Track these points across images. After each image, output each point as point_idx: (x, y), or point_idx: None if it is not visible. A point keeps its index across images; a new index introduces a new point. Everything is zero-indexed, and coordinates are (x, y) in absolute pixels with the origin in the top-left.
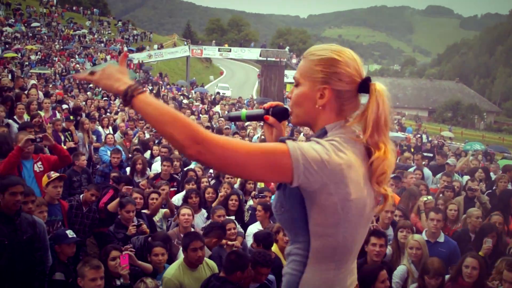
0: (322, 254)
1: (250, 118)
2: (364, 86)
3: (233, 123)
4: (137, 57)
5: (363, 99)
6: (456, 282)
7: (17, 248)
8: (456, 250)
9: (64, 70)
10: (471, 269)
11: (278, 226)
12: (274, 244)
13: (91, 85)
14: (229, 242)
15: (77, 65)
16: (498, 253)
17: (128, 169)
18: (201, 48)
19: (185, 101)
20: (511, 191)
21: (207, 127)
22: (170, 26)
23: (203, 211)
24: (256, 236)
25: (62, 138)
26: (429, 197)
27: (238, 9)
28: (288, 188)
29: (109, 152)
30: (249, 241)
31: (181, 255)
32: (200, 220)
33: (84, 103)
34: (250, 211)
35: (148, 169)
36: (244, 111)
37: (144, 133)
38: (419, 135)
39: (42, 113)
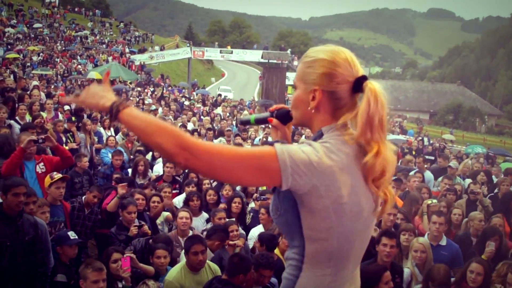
0: (316, 259)
1: (258, 121)
2: (358, 85)
3: (234, 124)
4: (138, 59)
5: None
6: (460, 286)
7: (19, 249)
8: (458, 254)
9: (66, 71)
10: (476, 274)
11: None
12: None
13: None
14: (231, 242)
15: (79, 66)
16: (501, 256)
17: (130, 171)
18: (202, 50)
19: (186, 102)
20: None
21: (209, 129)
22: (171, 28)
23: (204, 214)
24: (261, 236)
25: (64, 139)
26: (434, 200)
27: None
28: (282, 192)
29: (110, 154)
30: (251, 244)
31: (183, 258)
32: (199, 223)
33: None
34: (252, 214)
35: (150, 170)
36: (253, 115)
37: None
38: (420, 138)
39: (44, 114)
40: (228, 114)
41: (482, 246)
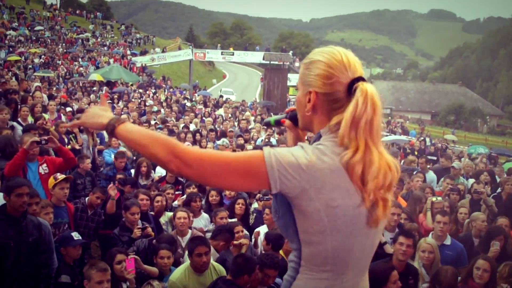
0: (312, 262)
1: (277, 123)
2: (353, 87)
3: (236, 125)
4: (140, 61)
5: None
6: (466, 284)
7: (22, 250)
8: (463, 253)
9: (67, 73)
10: (482, 271)
11: None
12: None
13: (94, 88)
14: (235, 242)
15: (81, 68)
16: (505, 256)
17: (132, 171)
18: (204, 52)
19: (188, 104)
20: None
21: (211, 130)
22: (172, 30)
23: (204, 215)
24: (267, 235)
25: (66, 140)
26: (439, 197)
27: (241, 12)
28: (279, 195)
29: (113, 155)
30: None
31: (187, 259)
32: (200, 223)
33: (87, 106)
34: (255, 214)
35: (153, 171)
36: (273, 117)
37: None
38: (422, 138)
39: (46, 116)
40: (230, 115)
41: (486, 245)
